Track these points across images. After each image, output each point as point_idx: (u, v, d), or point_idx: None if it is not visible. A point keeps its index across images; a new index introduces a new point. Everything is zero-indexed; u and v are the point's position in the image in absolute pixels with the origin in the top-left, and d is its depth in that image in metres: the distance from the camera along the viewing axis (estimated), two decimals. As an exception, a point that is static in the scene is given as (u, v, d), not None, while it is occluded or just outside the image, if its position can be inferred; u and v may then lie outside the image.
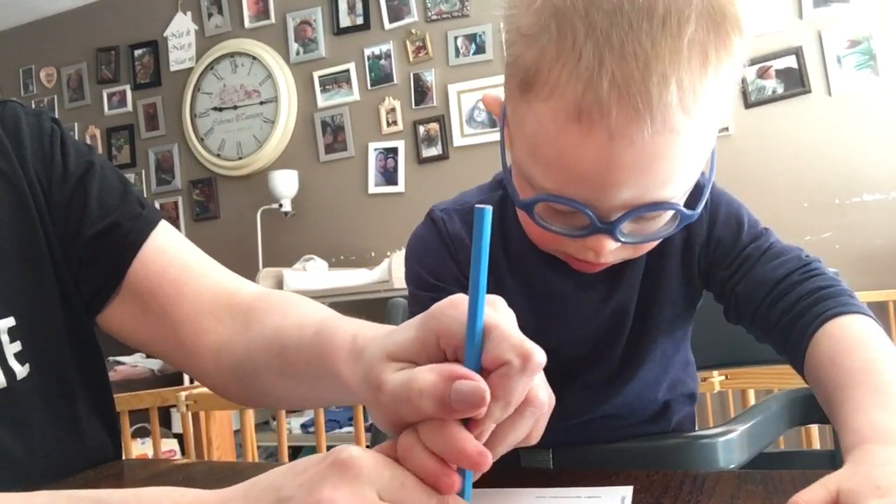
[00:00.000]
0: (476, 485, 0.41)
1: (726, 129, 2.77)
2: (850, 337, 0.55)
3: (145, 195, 3.86)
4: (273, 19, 3.58)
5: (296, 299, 0.69)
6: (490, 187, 0.74)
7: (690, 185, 0.57)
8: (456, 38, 3.22)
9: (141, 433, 2.54)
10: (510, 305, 0.43)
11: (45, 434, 0.67)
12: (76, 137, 3.62)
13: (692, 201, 0.59)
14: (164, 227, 0.74)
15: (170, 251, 0.72)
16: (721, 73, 0.52)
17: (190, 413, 1.51)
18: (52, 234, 0.70)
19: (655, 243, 0.62)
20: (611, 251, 0.58)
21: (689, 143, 0.52)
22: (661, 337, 0.70)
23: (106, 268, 0.71)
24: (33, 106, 4.07)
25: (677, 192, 0.56)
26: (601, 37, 0.49)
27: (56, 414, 0.68)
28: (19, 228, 0.68)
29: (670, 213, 0.57)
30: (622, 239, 0.57)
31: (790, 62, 2.71)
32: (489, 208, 0.37)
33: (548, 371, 0.42)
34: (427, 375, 0.37)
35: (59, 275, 0.70)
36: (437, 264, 0.69)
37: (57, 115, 4.09)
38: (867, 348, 0.53)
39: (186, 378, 2.81)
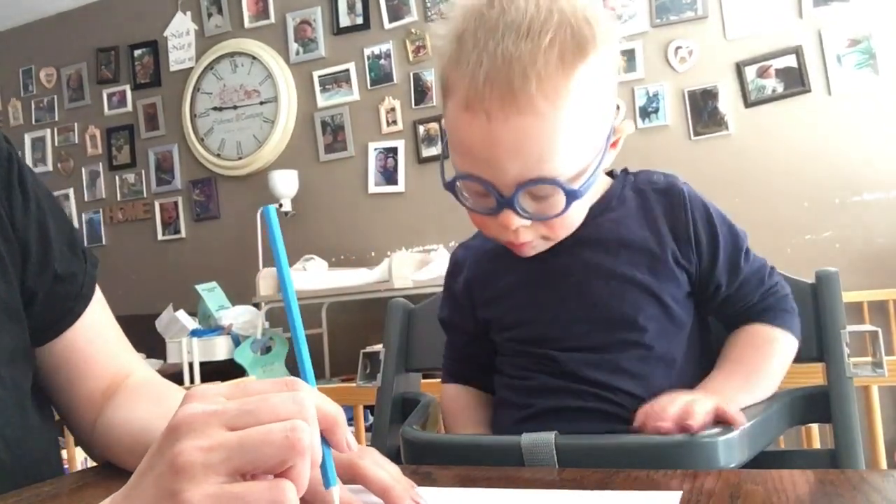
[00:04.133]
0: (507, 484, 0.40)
1: (726, 127, 2.78)
2: (766, 338, 0.79)
3: (145, 195, 3.87)
4: (273, 19, 3.58)
5: (171, 393, 0.77)
6: None
7: (576, 169, 0.69)
8: (456, 37, 3.22)
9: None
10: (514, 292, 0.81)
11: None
12: (76, 138, 3.59)
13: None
14: (97, 290, 0.80)
15: (96, 326, 0.78)
16: (579, 76, 0.66)
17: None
18: (15, 254, 0.72)
19: (568, 227, 0.74)
20: (522, 228, 0.71)
21: (557, 128, 0.66)
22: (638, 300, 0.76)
23: (58, 311, 0.75)
24: (34, 107, 4.05)
25: (560, 172, 0.68)
26: (482, 46, 0.66)
27: (10, 423, 0.70)
28: None
29: (560, 193, 0.68)
30: (523, 214, 0.70)
31: (790, 61, 2.71)
32: (272, 206, 0.48)
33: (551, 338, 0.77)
34: None
35: (22, 292, 0.72)
36: (446, 304, 0.91)
37: (57, 116, 4.11)
38: (769, 352, 0.78)
39: (186, 378, 2.82)
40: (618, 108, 0.75)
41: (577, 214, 0.74)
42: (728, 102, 2.79)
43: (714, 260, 0.77)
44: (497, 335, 0.84)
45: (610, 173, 0.84)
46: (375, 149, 3.36)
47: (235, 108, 3.64)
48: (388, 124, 3.34)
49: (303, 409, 0.39)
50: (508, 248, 0.76)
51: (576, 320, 0.77)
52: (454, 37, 0.69)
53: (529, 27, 0.65)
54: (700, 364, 0.79)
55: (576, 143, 0.68)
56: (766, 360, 0.77)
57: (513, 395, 0.81)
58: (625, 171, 0.84)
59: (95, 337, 0.78)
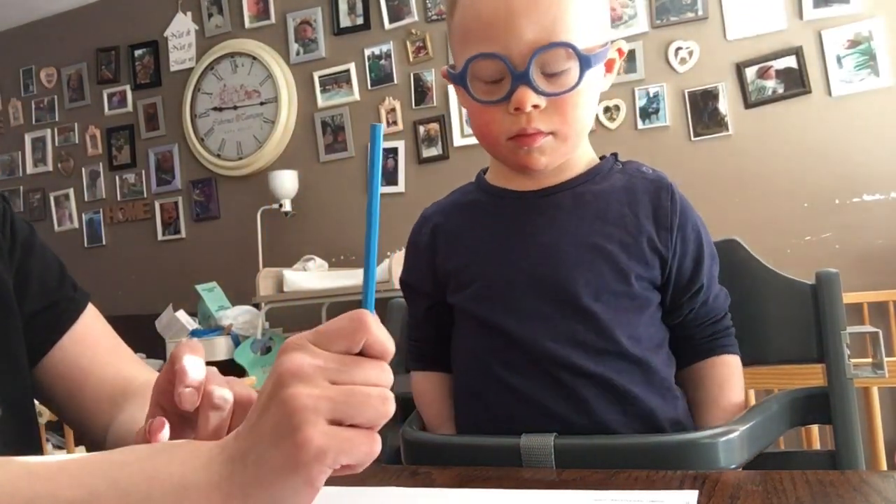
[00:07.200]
0: (506, 485, 0.41)
1: (726, 128, 2.78)
2: (732, 374, 0.80)
3: (145, 195, 3.88)
4: (273, 19, 3.58)
5: None
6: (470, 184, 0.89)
7: (587, 42, 0.72)
8: (456, 38, 3.22)
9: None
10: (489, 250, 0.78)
11: None
12: (76, 138, 3.64)
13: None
14: (89, 310, 0.83)
15: (87, 339, 0.81)
16: None
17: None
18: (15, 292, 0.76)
19: (578, 118, 0.74)
20: (536, 114, 0.72)
21: None
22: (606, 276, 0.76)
23: (35, 341, 0.78)
24: (34, 107, 4.05)
25: (574, 38, 0.71)
26: None
27: (22, 448, 0.73)
28: None
29: (574, 62, 0.71)
30: (538, 87, 0.71)
31: (790, 62, 2.71)
32: (381, 125, 0.49)
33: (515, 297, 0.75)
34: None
35: (24, 329, 0.76)
36: (407, 263, 0.88)
37: (57, 116, 4.11)
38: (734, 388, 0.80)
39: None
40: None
41: (584, 101, 0.75)
42: (728, 103, 2.79)
43: (699, 260, 0.78)
44: (454, 296, 0.81)
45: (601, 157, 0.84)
46: (375, 149, 3.35)
47: (236, 108, 3.64)
48: (389, 125, 3.34)
49: (387, 379, 0.44)
50: (517, 144, 0.75)
51: (536, 282, 0.75)
52: None
53: None
54: (662, 348, 0.79)
55: (588, 14, 0.73)
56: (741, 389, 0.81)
57: (467, 386, 0.81)
58: (614, 155, 0.84)
59: (87, 349, 0.81)
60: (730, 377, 0.80)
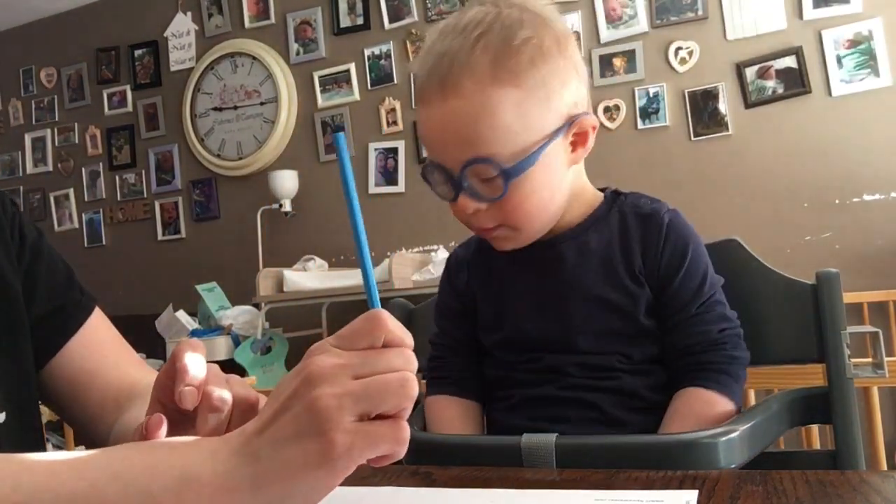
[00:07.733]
0: (507, 485, 0.41)
1: (726, 128, 2.78)
2: (699, 406, 0.76)
3: (145, 195, 3.88)
4: (273, 19, 3.58)
5: None
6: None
7: (511, 149, 0.73)
8: (456, 38, 3.22)
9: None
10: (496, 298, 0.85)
11: None
12: (76, 138, 3.62)
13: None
14: (96, 314, 0.83)
15: (93, 343, 0.82)
16: (506, 64, 0.72)
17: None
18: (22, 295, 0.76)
19: (522, 212, 0.76)
20: (481, 213, 0.76)
21: (485, 109, 0.72)
22: (599, 308, 0.80)
23: (42, 344, 0.78)
24: (34, 107, 4.04)
25: (495, 151, 0.73)
26: (432, 48, 0.76)
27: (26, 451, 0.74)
28: None
29: (499, 178, 0.73)
30: (475, 196, 0.75)
31: (790, 62, 2.71)
32: (342, 133, 0.51)
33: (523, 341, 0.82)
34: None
35: (31, 332, 0.77)
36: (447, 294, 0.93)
37: (57, 116, 4.11)
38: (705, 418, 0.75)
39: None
40: (580, 109, 0.78)
41: (526, 199, 0.76)
42: (728, 103, 2.79)
43: (670, 282, 0.79)
44: (483, 335, 0.87)
45: (603, 191, 0.86)
46: (376, 149, 3.36)
47: (236, 108, 3.64)
48: (389, 125, 3.34)
49: (410, 364, 0.45)
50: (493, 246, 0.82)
51: (546, 338, 0.81)
52: (422, 53, 0.79)
53: (465, 27, 0.74)
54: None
55: (508, 124, 0.72)
56: (700, 426, 0.75)
57: (496, 389, 0.85)
58: (615, 192, 0.85)
59: (93, 353, 0.81)
60: (684, 407, 0.76)
